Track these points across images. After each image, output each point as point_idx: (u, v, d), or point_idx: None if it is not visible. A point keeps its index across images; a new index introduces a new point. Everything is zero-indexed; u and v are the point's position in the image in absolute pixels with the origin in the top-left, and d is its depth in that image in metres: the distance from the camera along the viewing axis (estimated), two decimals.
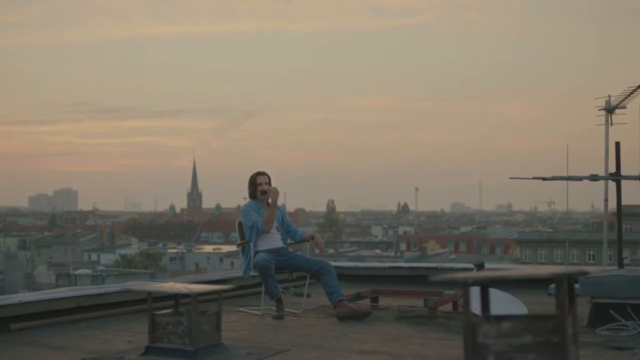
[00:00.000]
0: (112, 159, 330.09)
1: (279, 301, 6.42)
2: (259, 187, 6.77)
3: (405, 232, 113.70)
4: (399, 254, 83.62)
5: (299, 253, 6.83)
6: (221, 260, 79.28)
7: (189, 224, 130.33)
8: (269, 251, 6.57)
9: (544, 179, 6.97)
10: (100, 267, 71.16)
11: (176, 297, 4.62)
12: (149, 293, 4.53)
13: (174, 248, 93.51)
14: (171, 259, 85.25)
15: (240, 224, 6.80)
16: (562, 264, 66.81)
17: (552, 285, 7.96)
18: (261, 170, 6.87)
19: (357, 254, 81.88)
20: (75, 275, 64.23)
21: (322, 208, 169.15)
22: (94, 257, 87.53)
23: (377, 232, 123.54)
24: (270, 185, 6.83)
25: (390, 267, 8.73)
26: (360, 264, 8.88)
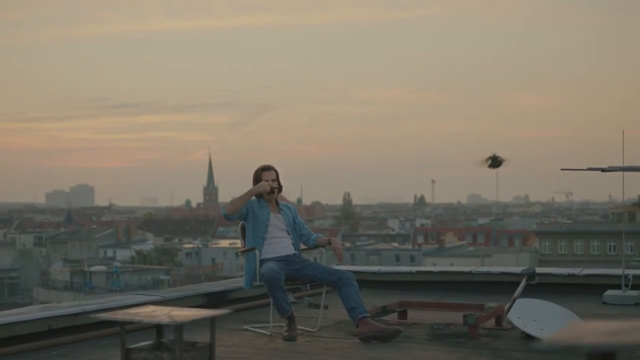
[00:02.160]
0: (128, 155, 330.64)
1: (290, 319, 5.43)
2: None
3: (422, 225, 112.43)
4: (416, 247, 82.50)
5: (313, 261, 5.81)
6: (237, 255, 78.54)
7: (205, 219, 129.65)
8: (277, 259, 5.57)
9: (602, 170, 5.92)
10: (115, 264, 70.67)
11: (157, 327, 3.62)
12: (121, 324, 3.53)
13: (189, 243, 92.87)
14: (187, 254, 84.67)
15: (243, 227, 5.81)
16: (583, 255, 65.65)
17: (607, 293, 6.97)
18: (269, 164, 5.83)
19: (374, 248, 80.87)
20: (90, 272, 63.73)
21: (338, 201, 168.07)
22: (109, 253, 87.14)
23: (393, 224, 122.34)
24: (278, 182, 5.82)
25: (418, 272, 7.70)
26: (384, 269, 7.84)
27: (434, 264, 73.14)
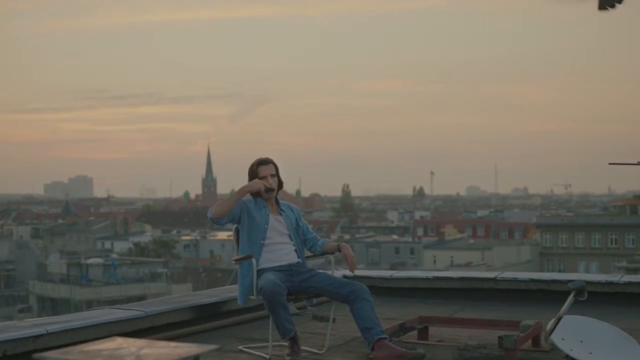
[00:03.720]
0: (127, 146, 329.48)
1: (293, 340, 4.60)
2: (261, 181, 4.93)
3: (421, 217, 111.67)
4: (416, 239, 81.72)
5: (320, 271, 4.97)
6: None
7: (203, 211, 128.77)
8: (278, 269, 4.73)
9: None
10: (113, 256, 69.91)
11: None
12: None
13: (188, 235, 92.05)
14: (185, 246, 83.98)
15: (237, 231, 4.96)
16: (584, 248, 64.85)
17: None
18: (267, 157, 4.97)
19: (374, 240, 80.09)
20: (87, 265, 62.97)
21: (337, 193, 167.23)
22: (107, 245, 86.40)
23: (393, 216, 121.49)
24: (278, 177, 4.97)
25: (435, 279, 6.85)
26: (396, 274, 6.99)
27: (434, 257, 72.54)
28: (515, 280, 6.57)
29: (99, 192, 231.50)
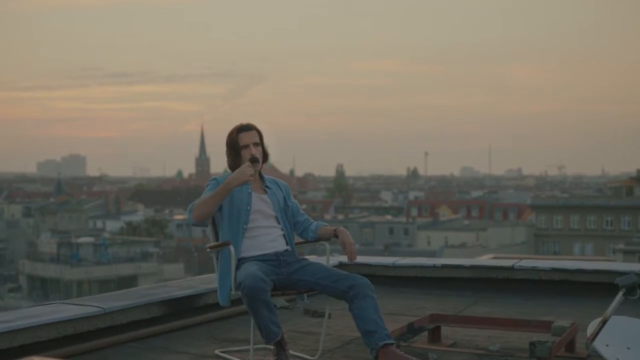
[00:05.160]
0: (120, 125, 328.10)
1: (279, 345, 3.79)
2: (243, 150, 4.03)
3: (415, 197, 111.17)
4: (410, 219, 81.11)
5: (313, 260, 4.13)
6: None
7: (196, 190, 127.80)
8: (262, 259, 3.90)
9: None
10: (104, 235, 69.13)
11: None
12: None
13: (180, 214, 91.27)
14: (178, 225, 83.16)
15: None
16: (579, 230, 64.34)
17: None
18: (248, 122, 4.06)
19: (368, 220, 79.43)
20: (78, 244, 62.21)
21: (331, 173, 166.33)
22: (99, 224, 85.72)
23: (386, 197, 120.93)
24: (262, 148, 4.10)
25: (444, 267, 6.03)
26: (399, 261, 6.16)
27: (429, 237, 71.94)
28: (535, 269, 5.75)
29: (92, 171, 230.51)
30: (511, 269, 5.83)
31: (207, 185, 4.02)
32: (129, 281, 55.86)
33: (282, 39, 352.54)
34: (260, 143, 4.07)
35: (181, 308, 4.74)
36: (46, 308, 4.17)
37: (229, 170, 4.08)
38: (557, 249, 62.48)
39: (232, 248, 3.84)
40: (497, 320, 4.29)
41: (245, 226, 3.96)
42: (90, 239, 64.70)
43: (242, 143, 4.01)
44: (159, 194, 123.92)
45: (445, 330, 4.41)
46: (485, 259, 6.17)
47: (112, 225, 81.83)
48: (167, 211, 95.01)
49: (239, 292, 3.73)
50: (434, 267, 6.05)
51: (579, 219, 64.44)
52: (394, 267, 6.16)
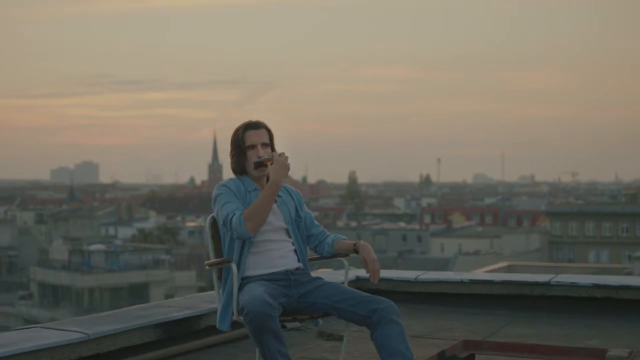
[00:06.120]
0: (133, 132, 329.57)
1: None
2: (249, 151, 3.52)
3: (428, 204, 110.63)
4: (423, 226, 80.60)
5: (328, 274, 3.58)
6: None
7: (209, 197, 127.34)
8: (270, 278, 3.37)
9: None
10: (116, 242, 68.87)
11: None
12: None
13: (192, 221, 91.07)
14: (190, 232, 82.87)
15: (214, 221, 3.59)
16: (594, 237, 63.50)
17: None
18: (257, 120, 3.55)
19: (381, 227, 78.92)
20: (89, 251, 61.94)
21: (344, 180, 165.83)
22: (111, 231, 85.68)
23: (399, 203, 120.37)
24: (272, 147, 3.58)
25: (472, 282, 5.47)
26: (422, 276, 5.60)
27: (442, 245, 71.30)
28: (574, 285, 5.18)
29: (105, 178, 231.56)
30: (547, 284, 5.26)
31: (219, 194, 3.46)
32: (140, 289, 55.55)
33: (295, 46, 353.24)
34: (270, 144, 3.53)
35: (179, 332, 4.18)
36: (21, 334, 3.63)
37: (233, 174, 3.56)
38: (572, 256, 61.87)
39: (234, 266, 3.30)
40: (540, 347, 3.73)
41: (250, 240, 3.42)
42: (101, 246, 64.51)
43: (249, 143, 3.48)
44: (171, 200, 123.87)
45: (481, 359, 3.86)
46: (518, 275, 5.59)
47: (124, 232, 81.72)
48: (179, 218, 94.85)
49: (241, 319, 3.20)
50: (462, 282, 5.48)
51: (594, 226, 63.87)
52: (416, 282, 5.59)
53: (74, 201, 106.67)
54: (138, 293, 54.62)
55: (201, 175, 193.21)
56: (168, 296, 51.58)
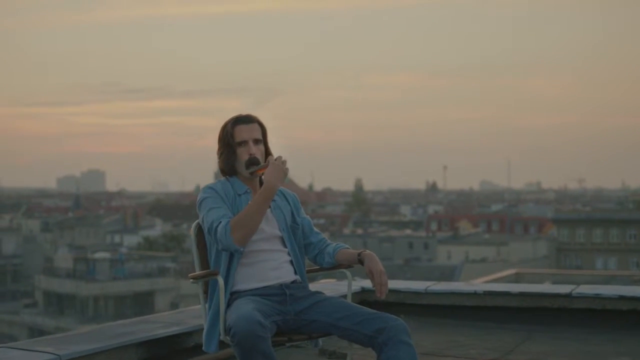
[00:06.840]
0: (139, 140, 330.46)
1: None
2: (239, 148, 3.12)
3: (435, 211, 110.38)
4: (430, 234, 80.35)
5: (329, 286, 3.19)
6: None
7: None
8: (262, 293, 2.98)
9: None
10: (122, 250, 68.65)
11: None
12: None
13: None
14: None
15: (199, 228, 3.20)
16: (602, 244, 63.05)
17: None
18: (248, 113, 3.16)
19: (387, 234, 78.63)
20: (94, 260, 61.73)
21: (350, 187, 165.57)
22: (117, 238, 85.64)
23: (406, 211, 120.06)
24: (265, 145, 3.17)
25: (486, 294, 5.08)
26: (432, 287, 5.20)
27: (449, 252, 70.91)
28: (598, 297, 4.79)
29: (111, 186, 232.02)
30: (569, 296, 4.87)
31: (204, 199, 3.08)
32: (145, 297, 55.25)
33: (300, 54, 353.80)
34: (263, 140, 3.13)
35: (165, 351, 3.79)
36: None
37: (221, 175, 3.17)
38: (579, 263, 61.61)
39: (220, 280, 2.91)
40: None
41: (241, 249, 3.03)
42: (106, 254, 64.36)
43: (239, 139, 3.09)
44: (177, 208, 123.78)
45: None
46: (536, 285, 5.20)
47: (130, 240, 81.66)
48: (185, 226, 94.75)
49: (228, 339, 2.81)
50: (475, 294, 5.09)
51: (601, 233, 63.75)
52: (426, 293, 5.20)
53: (80, 209, 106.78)
54: (143, 301, 54.38)
55: (207, 183, 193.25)
56: (173, 305, 51.21)
